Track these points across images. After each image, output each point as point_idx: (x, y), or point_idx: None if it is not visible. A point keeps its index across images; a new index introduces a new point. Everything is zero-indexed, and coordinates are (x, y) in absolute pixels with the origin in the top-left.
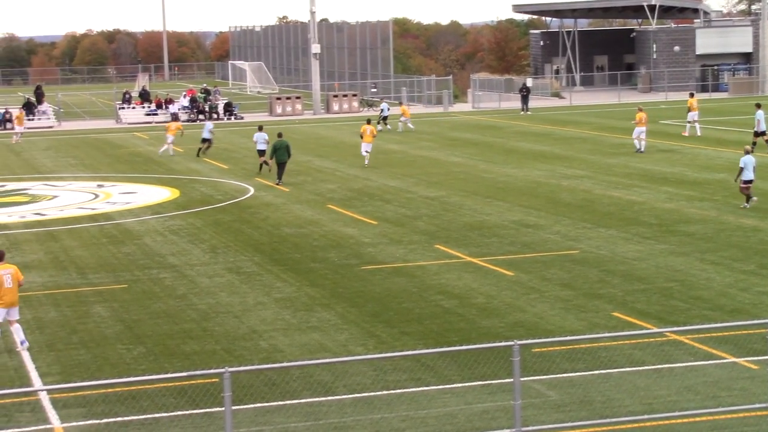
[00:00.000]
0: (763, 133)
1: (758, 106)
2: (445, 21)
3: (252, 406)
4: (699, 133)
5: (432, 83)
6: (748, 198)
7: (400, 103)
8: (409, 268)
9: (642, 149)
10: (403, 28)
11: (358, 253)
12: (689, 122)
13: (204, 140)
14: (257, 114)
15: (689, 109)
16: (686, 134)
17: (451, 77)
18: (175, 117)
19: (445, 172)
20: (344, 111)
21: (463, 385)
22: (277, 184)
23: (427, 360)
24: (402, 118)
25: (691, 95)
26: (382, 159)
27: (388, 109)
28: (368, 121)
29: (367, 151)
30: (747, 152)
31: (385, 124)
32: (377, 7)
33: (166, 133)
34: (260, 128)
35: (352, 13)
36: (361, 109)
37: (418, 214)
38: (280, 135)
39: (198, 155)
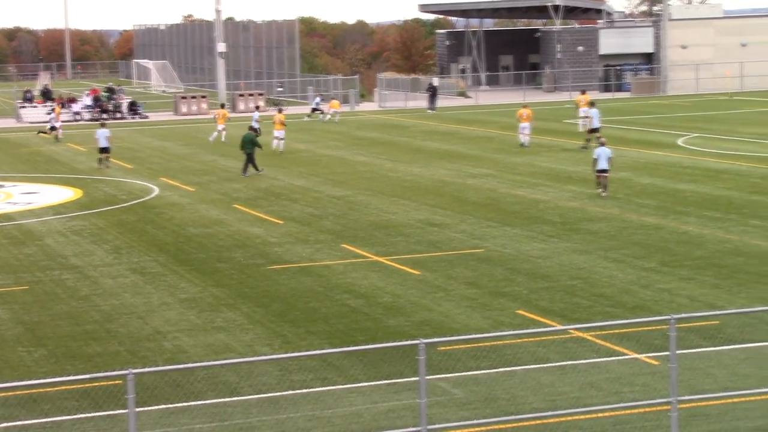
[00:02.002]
0: (596, 130)
1: (592, 104)
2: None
3: (156, 407)
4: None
5: (338, 82)
6: (604, 186)
7: (332, 98)
8: (316, 267)
9: (526, 144)
10: (309, 27)
11: (264, 253)
12: (581, 118)
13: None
14: (162, 113)
15: (577, 106)
16: (581, 130)
17: (357, 77)
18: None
19: (351, 172)
20: (250, 110)
21: (369, 384)
22: (253, 173)
23: (333, 359)
24: (331, 110)
25: (583, 92)
26: (289, 158)
27: (319, 103)
28: (279, 110)
29: (278, 138)
30: (602, 144)
31: (316, 114)
32: (283, 6)
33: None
34: (103, 125)
35: (259, 12)
36: (267, 108)
37: (325, 213)
38: (251, 129)
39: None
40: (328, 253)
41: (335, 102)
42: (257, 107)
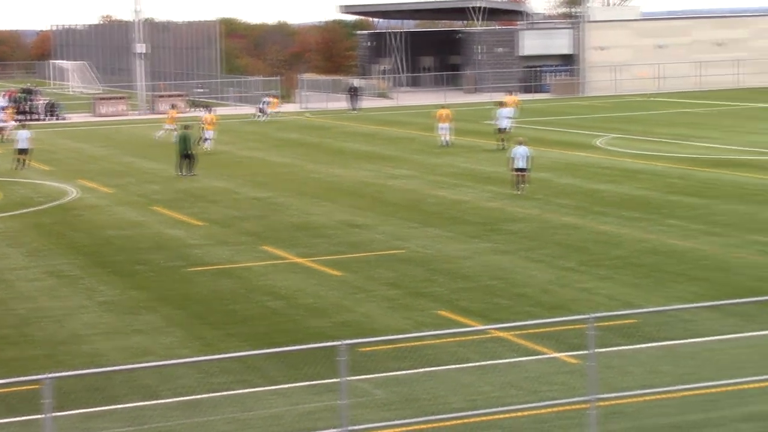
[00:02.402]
0: (503, 130)
1: (501, 104)
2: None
3: (74, 412)
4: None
5: (260, 83)
6: (523, 184)
7: (276, 97)
8: (236, 269)
9: (448, 143)
10: (230, 28)
11: (184, 255)
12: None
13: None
14: (81, 114)
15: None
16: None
17: (278, 78)
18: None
19: (272, 173)
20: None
21: (290, 385)
22: (187, 175)
23: (253, 361)
24: (271, 110)
25: (510, 93)
26: (209, 160)
27: (267, 103)
28: (210, 110)
29: (208, 138)
30: (519, 143)
31: (263, 113)
32: (204, 7)
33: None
34: (23, 126)
35: (179, 12)
36: (187, 109)
37: (245, 215)
38: (186, 127)
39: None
40: (248, 254)
41: (274, 101)
42: (209, 109)
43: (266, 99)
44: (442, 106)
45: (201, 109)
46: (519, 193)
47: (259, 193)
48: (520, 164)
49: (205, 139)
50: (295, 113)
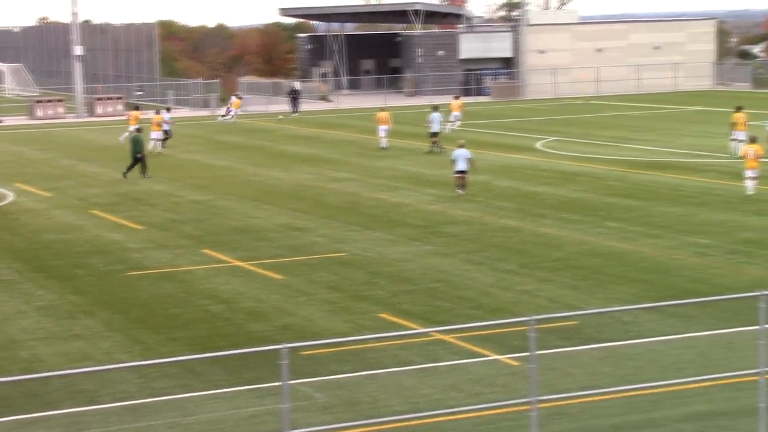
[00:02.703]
0: (436, 134)
1: (435, 108)
2: (211, 24)
3: (11, 418)
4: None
5: (199, 86)
6: (462, 186)
7: (240, 97)
8: (176, 273)
9: (385, 146)
10: (168, 30)
11: (124, 259)
12: (450, 122)
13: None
14: (17, 117)
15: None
16: (447, 132)
17: (218, 80)
18: None
19: (212, 176)
20: (109, 114)
21: (231, 389)
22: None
23: (194, 365)
24: (234, 110)
25: (456, 97)
26: (149, 163)
27: (232, 103)
28: (157, 112)
29: (155, 139)
30: (460, 146)
31: (228, 115)
32: (142, 10)
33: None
34: None
35: (117, 14)
36: (126, 112)
37: (185, 218)
38: (138, 130)
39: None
40: (189, 258)
41: (237, 102)
42: (168, 109)
43: (233, 98)
44: (382, 109)
45: (164, 111)
46: (461, 193)
47: (200, 196)
48: (461, 166)
49: (157, 140)
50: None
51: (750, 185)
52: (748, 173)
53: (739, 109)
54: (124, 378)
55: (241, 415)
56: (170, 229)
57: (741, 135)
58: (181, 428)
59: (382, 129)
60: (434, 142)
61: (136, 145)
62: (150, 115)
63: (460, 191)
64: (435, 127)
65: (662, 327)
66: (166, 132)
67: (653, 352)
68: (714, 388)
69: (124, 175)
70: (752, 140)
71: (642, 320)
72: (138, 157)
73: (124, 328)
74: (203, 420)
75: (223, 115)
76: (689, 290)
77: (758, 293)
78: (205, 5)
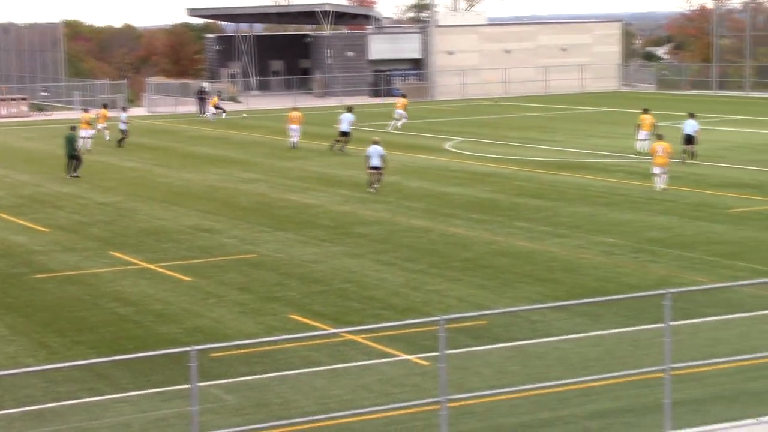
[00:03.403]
0: (346, 134)
1: (349, 109)
2: (118, 24)
3: None
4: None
5: (106, 87)
6: (377, 182)
7: (214, 95)
8: (83, 275)
9: (294, 145)
10: (74, 30)
11: (29, 262)
12: (395, 119)
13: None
14: None
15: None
16: (390, 130)
17: (125, 81)
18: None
19: (120, 178)
20: (12, 115)
21: (139, 393)
22: (72, 176)
23: (101, 369)
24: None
25: (403, 96)
26: (53, 164)
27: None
28: (85, 110)
29: (84, 137)
30: (375, 143)
31: (203, 113)
32: (47, 9)
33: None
34: None
35: (21, 14)
36: (31, 113)
37: (93, 220)
38: (72, 128)
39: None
40: (96, 260)
41: (214, 99)
42: (124, 108)
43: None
44: (294, 109)
45: (121, 110)
46: (372, 191)
47: (107, 198)
48: (375, 162)
49: (86, 138)
50: (141, 117)
51: (659, 182)
52: (656, 170)
53: (645, 110)
54: (28, 383)
55: (149, 419)
56: (77, 231)
57: (644, 135)
58: None
59: (293, 128)
60: (338, 141)
61: (71, 143)
62: (115, 114)
63: (373, 187)
64: (344, 127)
65: (569, 325)
66: (123, 131)
67: (560, 351)
68: (620, 385)
69: (69, 175)
70: (660, 137)
71: (550, 319)
72: (72, 156)
73: (28, 331)
74: (110, 424)
75: (213, 113)
76: (596, 289)
77: (663, 291)
78: (111, 5)
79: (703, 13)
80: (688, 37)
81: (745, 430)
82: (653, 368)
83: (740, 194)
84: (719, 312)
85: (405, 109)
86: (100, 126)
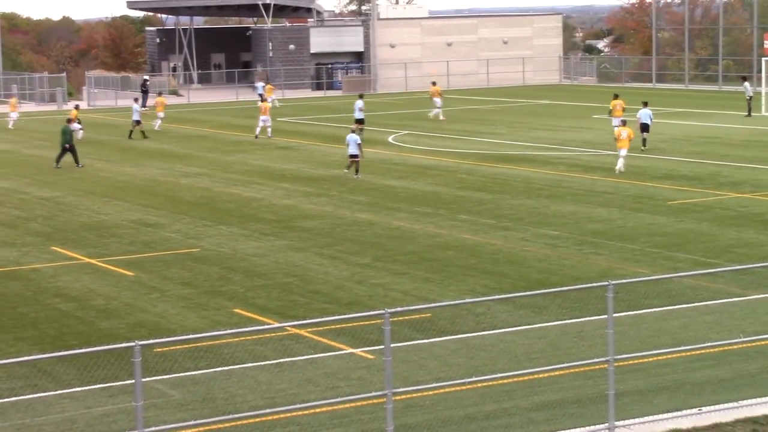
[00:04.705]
0: (361, 121)
1: (360, 96)
2: (56, 17)
3: None
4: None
5: (45, 80)
6: (356, 170)
7: (158, 96)
8: (23, 271)
9: (267, 135)
10: (11, 23)
11: None
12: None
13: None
14: None
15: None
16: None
17: (64, 74)
18: None
19: (60, 172)
20: None
21: (83, 388)
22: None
23: (44, 365)
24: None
25: (433, 83)
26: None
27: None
28: (76, 107)
29: (74, 130)
30: (352, 131)
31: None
32: None
33: (432, 97)
34: None
35: None
36: None
37: (32, 215)
38: (69, 121)
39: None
40: (36, 256)
41: (161, 99)
42: (136, 99)
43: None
44: (263, 100)
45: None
46: (346, 171)
47: (47, 192)
48: (352, 150)
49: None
50: (82, 111)
51: (620, 163)
52: (622, 152)
53: (616, 96)
54: None
55: (93, 415)
56: (17, 226)
57: (617, 121)
58: (31, 429)
59: (264, 119)
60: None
61: (65, 135)
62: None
63: (349, 172)
64: (358, 114)
65: (514, 318)
66: (138, 122)
67: (505, 343)
68: (564, 377)
69: (57, 164)
70: (624, 123)
71: (494, 311)
72: (66, 147)
73: None
74: (53, 420)
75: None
76: (540, 281)
77: (606, 283)
78: None
79: (642, 6)
80: (628, 30)
81: (687, 421)
82: (597, 360)
83: (680, 186)
84: (661, 303)
85: (440, 96)
86: (160, 114)
